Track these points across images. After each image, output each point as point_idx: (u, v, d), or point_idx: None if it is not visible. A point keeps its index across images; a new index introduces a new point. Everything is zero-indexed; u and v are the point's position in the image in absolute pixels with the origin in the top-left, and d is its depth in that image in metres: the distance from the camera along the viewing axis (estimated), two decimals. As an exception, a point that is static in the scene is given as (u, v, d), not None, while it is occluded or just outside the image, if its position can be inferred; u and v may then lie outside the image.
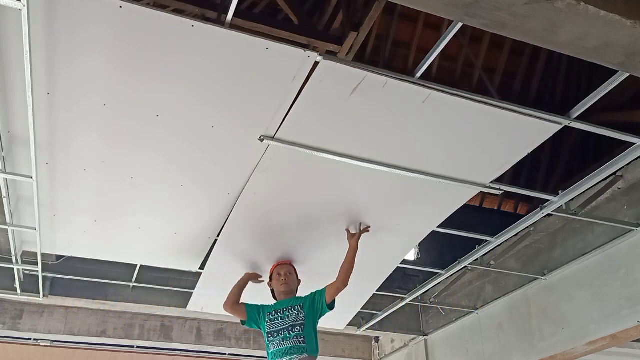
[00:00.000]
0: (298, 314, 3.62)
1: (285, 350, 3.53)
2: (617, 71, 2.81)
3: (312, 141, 3.22)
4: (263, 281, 4.12)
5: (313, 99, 2.94)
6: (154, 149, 3.31)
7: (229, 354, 6.87)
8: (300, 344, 3.52)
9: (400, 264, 4.63)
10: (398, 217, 3.94)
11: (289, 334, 3.56)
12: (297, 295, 3.84)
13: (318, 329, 3.70)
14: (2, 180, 3.55)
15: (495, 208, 8.00)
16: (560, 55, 6.41)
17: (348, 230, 3.90)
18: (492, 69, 6.73)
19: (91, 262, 4.96)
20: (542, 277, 4.92)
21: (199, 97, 2.96)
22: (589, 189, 4.02)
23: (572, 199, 4.07)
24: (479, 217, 7.10)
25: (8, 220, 3.98)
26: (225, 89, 2.91)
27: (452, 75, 6.73)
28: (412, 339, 6.70)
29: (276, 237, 4.00)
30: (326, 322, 4.13)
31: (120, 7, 2.43)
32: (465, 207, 3.91)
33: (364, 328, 6.31)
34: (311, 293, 3.76)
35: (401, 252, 4.43)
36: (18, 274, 5.20)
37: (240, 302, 3.91)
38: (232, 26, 2.65)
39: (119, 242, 4.23)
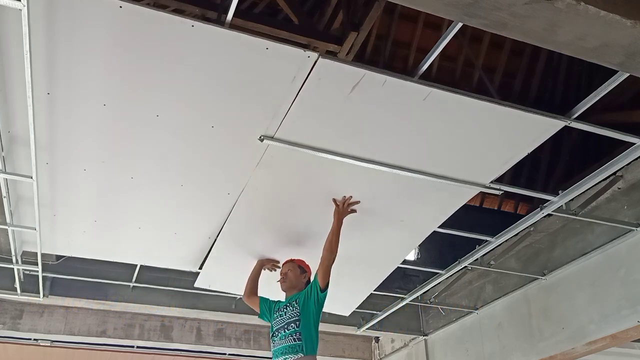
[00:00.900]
0: (293, 310, 3.61)
1: (281, 350, 3.52)
2: (617, 71, 2.80)
3: (312, 141, 3.22)
4: (279, 267, 4.13)
5: (312, 99, 2.94)
6: (154, 149, 3.31)
7: (229, 354, 6.86)
8: (295, 341, 3.48)
9: (401, 263, 4.64)
10: (401, 212, 3.92)
11: (285, 332, 3.55)
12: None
13: (319, 329, 3.66)
14: (2, 180, 3.55)
15: (495, 208, 8.00)
16: (560, 55, 6.40)
17: (335, 201, 3.71)
18: (492, 69, 6.73)
19: (91, 262, 4.96)
20: (542, 277, 4.91)
21: (198, 97, 2.96)
22: (589, 189, 4.02)
23: (572, 199, 4.07)
24: (479, 217, 7.10)
25: (8, 220, 3.98)
26: (225, 89, 2.91)
27: (452, 75, 6.72)
28: (412, 339, 6.70)
29: (279, 230, 4.01)
30: (331, 307, 4.13)
31: (120, 7, 2.44)
32: (465, 207, 3.91)
33: (364, 328, 6.31)
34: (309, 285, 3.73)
35: (403, 249, 4.41)
36: (18, 274, 5.20)
37: (258, 295, 3.98)
38: (232, 26, 2.65)
39: (119, 242, 4.24)
